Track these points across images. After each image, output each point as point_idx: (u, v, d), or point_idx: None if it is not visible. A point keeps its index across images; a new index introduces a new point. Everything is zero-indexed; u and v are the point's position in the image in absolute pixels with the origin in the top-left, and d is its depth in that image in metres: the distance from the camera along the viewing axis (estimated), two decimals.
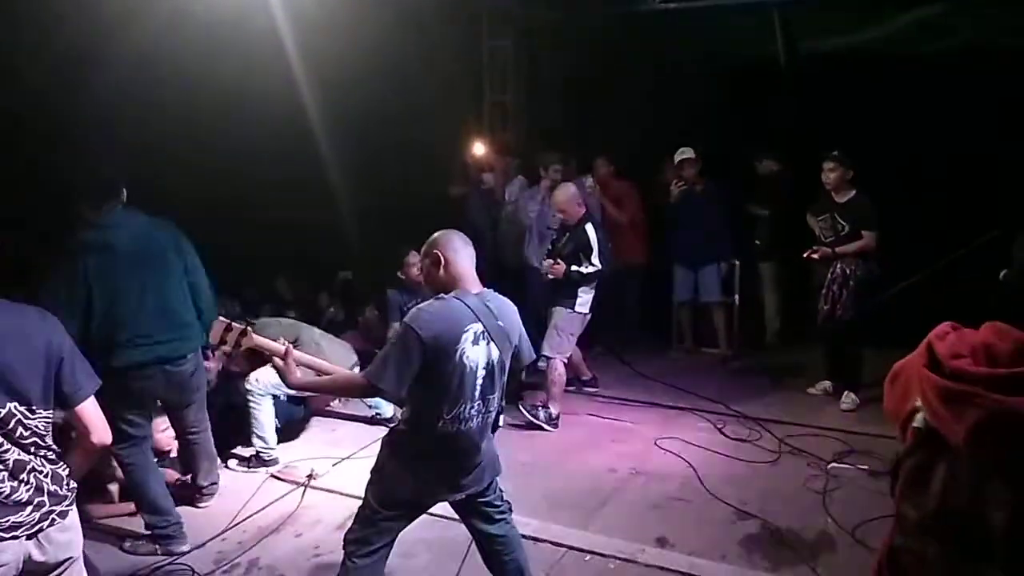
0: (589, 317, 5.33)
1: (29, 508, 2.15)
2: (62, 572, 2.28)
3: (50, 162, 5.30)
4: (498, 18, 6.67)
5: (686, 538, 3.72)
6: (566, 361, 5.34)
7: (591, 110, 6.99)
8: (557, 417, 5.22)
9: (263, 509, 4.09)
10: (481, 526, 2.88)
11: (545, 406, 5.22)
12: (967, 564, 1.57)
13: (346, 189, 6.79)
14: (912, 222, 5.47)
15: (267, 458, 4.60)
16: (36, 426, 2.18)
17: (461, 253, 2.73)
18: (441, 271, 2.70)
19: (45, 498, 2.19)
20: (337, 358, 4.73)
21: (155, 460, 3.90)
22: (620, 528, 3.83)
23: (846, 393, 5.41)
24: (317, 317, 6.20)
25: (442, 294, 2.68)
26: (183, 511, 3.80)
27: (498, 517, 2.89)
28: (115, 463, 3.85)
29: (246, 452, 4.66)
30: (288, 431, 5.05)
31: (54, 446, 2.26)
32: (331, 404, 5.56)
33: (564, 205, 5.21)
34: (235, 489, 4.30)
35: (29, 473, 2.17)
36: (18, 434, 2.14)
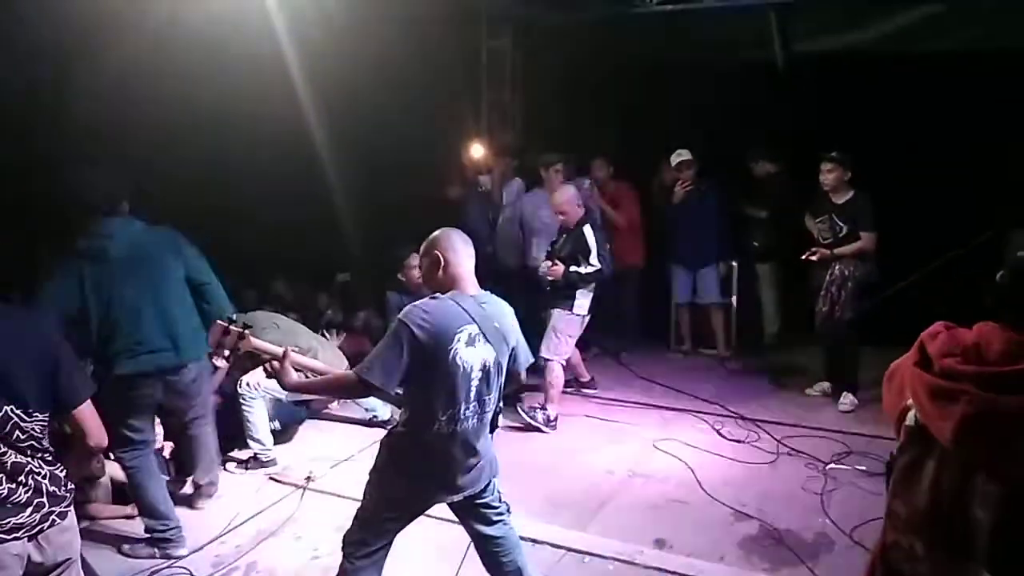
0: (588, 319, 5.33)
1: (29, 509, 2.16)
2: (60, 574, 2.28)
3: (52, 168, 5.33)
4: (497, 19, 6.67)
5: (684, 539, 3.73)
6: (564, 363, 5.34)
7: (589, 111, 6.99)
8: (555, 419, 5.22)
9: (261, 512, 4.09)
10: (479, 527, 2.88)
11: (543, 408, 5.22)
12: (953, 561, 1.58)
13: (344, 190, 6.79)
14: (909, 223, 5.47)
15: (265, 459, 4.60)
16: (33, 429, 2.18)
17: (461, 254, 2.73)
18: (440, 271, 2.70)
19: (44, 499, 2.19)
20: (329, 362, 4.74)
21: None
22: (619, 530, 3.84)
23: (844, 394, 5.41)
24: (316, 318, 6.19)
25: (438, 294, 2.68)
26: (182, 514, 3.80)
27: (496, 518, 2.89)
28: (103, 461, 3.85)
29: (243, 455, 4.66)
30: (286, 434, 5.05)
31: (51, 448, 2.26)
32: (329, 407, 5.56)
33: (564, 207, 5.21)
34: (233, 492, 4.30)
35: (27, 475, 2.17)
36: (15, 437, 2.14)
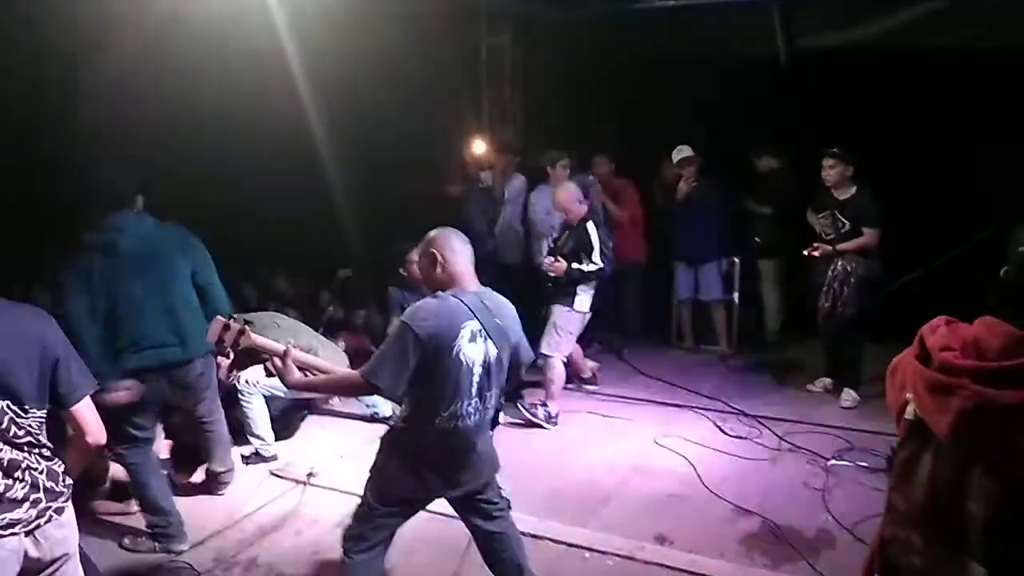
0: (589, 316, 5.33)
1: (26, 505, 2.15)
2: (57, 569, 2.27)
3: (57, 166, 5.34)
4: (496, 16, 6.65)
5: (686, 535, 3.72)
6: (565, 360, 5.34)
7: (590, 108, 6.98)
8: (556, 415, 5.22)
9: (262, 507, 4.09)
10: (479, 523, 2.88)
11: (544, 404, 5.22)
12: (949, 555, 1.58)
13: (344, 186, 6.79)
14: (912, 219, 5.46)
15: (266, 454, 4.61)
16: (30, 425, 2.17)
17: (459, 252, 2.73)
18: (439, 270, 2.70)
19: (41, 495, 2.19)
20: (331, 359, 4.74)
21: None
22: (619, 525, 3.83)
23: (846, 390, 5.41)
24: (318, 315, 6.19)
25: (439, 292, 2.68)
26: (183, 509, 3.80)
27: (496, 514, 2.89)
28: (110, 461, 3.86)
29: (245, 451, 4.66)
30: (287, 430, 5.06)
31: (48, 443, 2.26)
32: (330, 403, 5.56)
33: (566, 204, 5.20)
34: (234, 487, 4.30)
35: (24, 471, 2.16)
36: (12, 433, 2.14)
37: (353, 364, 4.79)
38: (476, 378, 2.64)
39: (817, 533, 3.74)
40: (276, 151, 6.50)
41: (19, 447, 2.16)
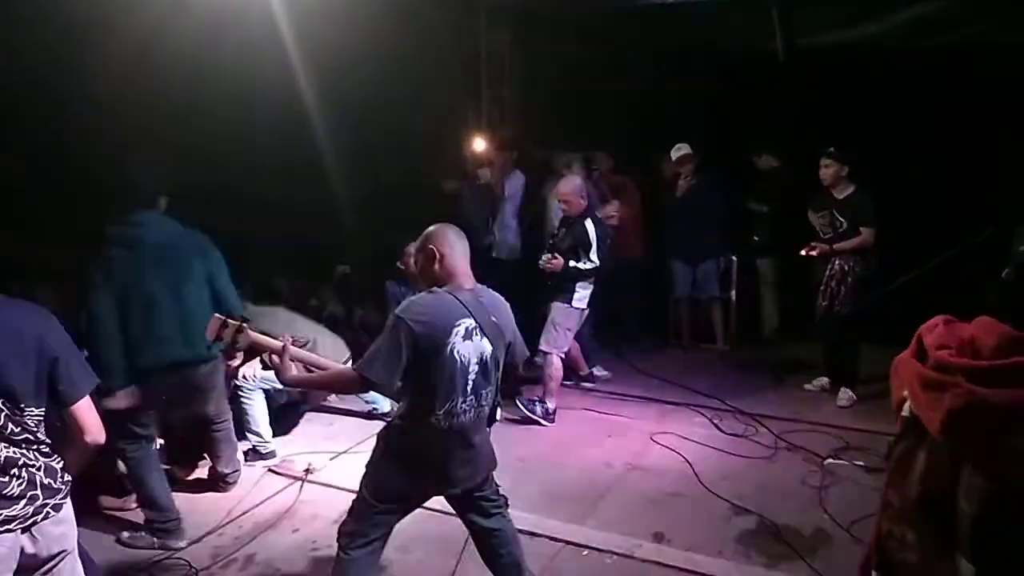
0: (587, 313, 5.33)
1: (23, 502, 2.15)
2: (55, 565, 2.27)
3: (58, 156, 5.33)
4: (495, 11, 6.64)
5: (683, 533, 3.73)
6: (563, 356, 5.34)
7: (589, 105, 6.97)
8: (554, 412, 5.23)
9: (260, 504, 4.10)
10: (477, 520, 2.89)
11: (542, 401, 5.22)
12: (940, 552, 1.59)
13: (344, 183, 6.77)
14: (911, 218, 5.47)
15: (264, 451, 4.61)
16: (27, 423, 2.17)
17: (456, 248, 2.73)
18: (436, 266, 2.70)
19: (39, 492, 2.18)
20: (330, 352, 4.74)
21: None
22: (617, 523, 3.84)
23: (843, 389, 5.42)
24: (317, 313, 6.18)
25: (435, 288, 2.67)
26: (181, 506, 3.80)
27: (494, 511, 2.90)
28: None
29: (242, 447, 4.65)
30: (285, 426, 5.06)
31: (47, 440, 2.25)
32: (328, 399, 5.56)
33: (568, 196, 5.18)
34: None
35: (21, 468, 2.16)
36: (8, 430, 2.13)
37: (355, 357, 4.81)
38: (472, 375, 2.64)
39: (814, 531, 3.75)
40: (274, 147, 6.48)
41: (16, 444, 2.16)
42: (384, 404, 5.15)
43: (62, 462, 2.29)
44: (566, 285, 5.17)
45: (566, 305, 5.20)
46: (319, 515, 3.96)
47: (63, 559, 2.30)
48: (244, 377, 4.55)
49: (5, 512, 2.12)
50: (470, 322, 2.62)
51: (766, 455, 4.65)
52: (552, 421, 5.20)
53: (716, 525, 3.84)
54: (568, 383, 5.70)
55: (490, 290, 2.80)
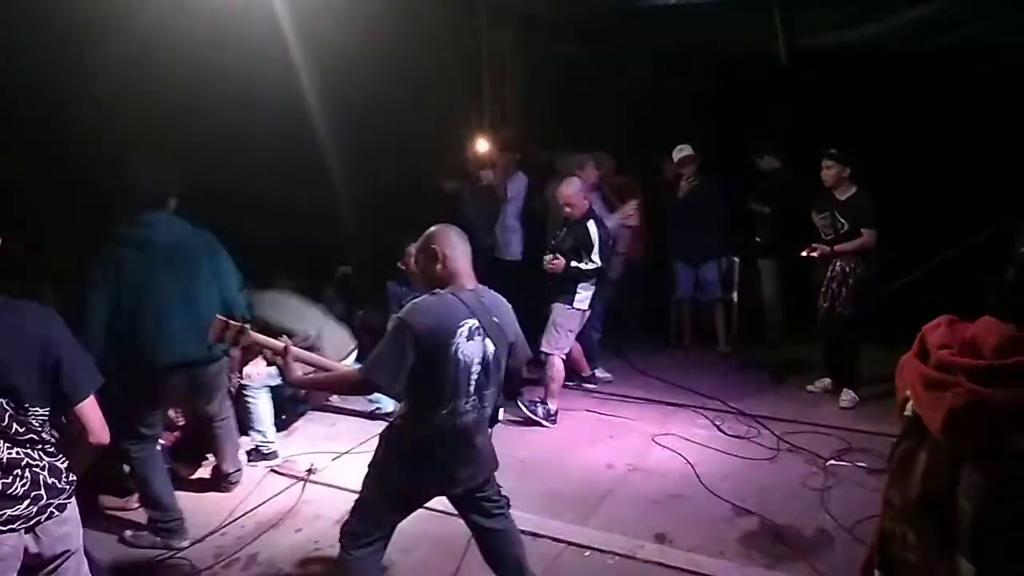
0: (588, 313, 5.33)
1: (26, 502, 2.15)
2: (59, 565, 2.28)
3: (58, 157, 5.33)
4: (496, 11, 6.64)
5: (685, 534, 3.73)
6: (564, 357, 5.34)
7: (590, 105, 6.97)
8: (555, 413, 5.23)
9: (263, 504, 4.10)
10: (479, 521, 2.89)
11: (543, 402, 5.23)
12: (941, 551, 1.59)
13: (344, 183, 6.77)
14: (912, 218, 5.47)
15: (266, 451, 4.61)
16: (31, 423, 2.17)
17: (458, 249, 2.73)
18: (438, 266, 2.70)
19: (42, 491, 2.19)
20: (336, 343, 4.74)
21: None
22: (619, 524, 3.84)
23: (844, 390, 5.42)
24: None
25: (437, 289, 2.68)
26: (183, 505, 3.80)
27: (496, 512, 2.90)
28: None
29: (245, 445, 4.66)
30: (287, 422, 5.07)
31: (52, 440, 2.26)
32: (330, 399, 5.56)
33: (571, 199, 5.18)
34: None
35: (25, 468, 2.16)
36: (13, 430, 2.13)
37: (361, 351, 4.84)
38: (474, 376, 2.64)
39: (815, 533, 3.75)
40: (273, 146, 6.48)
41: (21, 444, 2.16)
42: (388, 404, 5.14)
43: (67, 462, 2.30)
44: (567, 286, 5.18)
45: (567, 306, 5.20)
46: (321, 515, 3.97)
47: (67, 559, 2.30)
48: (251, 376, 4.55)
49: (9, 512, 2.12)
50: (473, 323, 2.62)
51: (768, 456, 4.65)
52: (554, 422, 5.20)
53: (718, 526, 3.84)
54: (570, 384, 5.70)
55: (491, 291, 2.81)
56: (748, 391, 5.69)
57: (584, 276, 5.13)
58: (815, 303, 5.44)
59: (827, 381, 5.64)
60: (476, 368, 2.65)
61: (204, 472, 4.42)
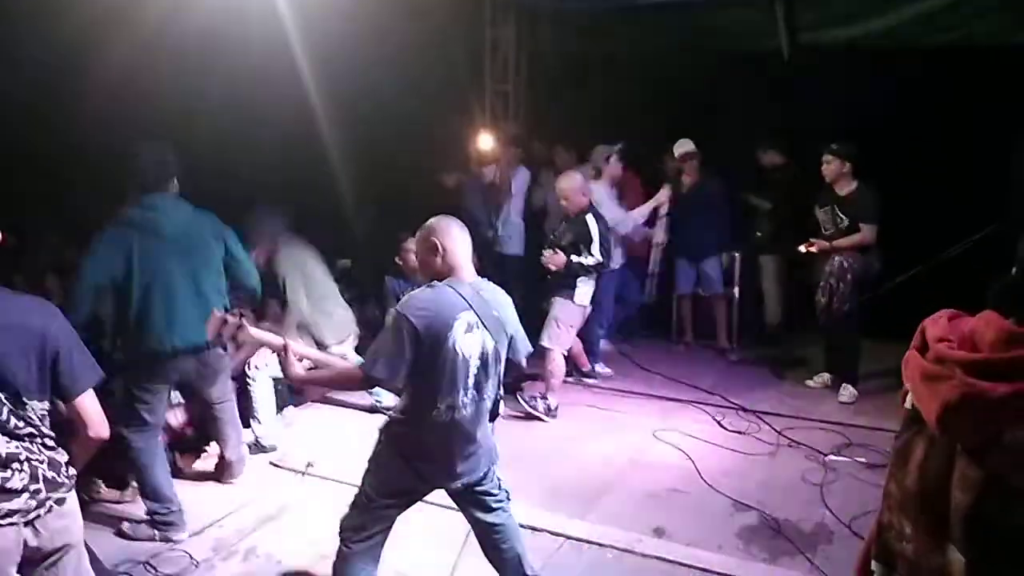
0: (589, 309, 5.32)
1: (25, 495, 2.14)
2: (59, 559, 2.27)
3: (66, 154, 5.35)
4: (500, 6, 6.62)
5: (684, 529, 3.74)
6: (565, 353, 5.34)
7: (593, 100, 6.96)
8: (556, 408, 5.23)
9: (261, 497, 4.10)
10: (478, 515, 2.89)
11: (544, 397, 5.22)
12: (934, 543, 1.60)
13: (346, 177, 6.77)
14: (914, 215, 5.46)
15: (266, 444, 4.61)
16: (30, 416, 2.16)
17: (459, 241, 2.72)
18: (437, 259, 2.69)
19: (41, 485, 2.18)
20: (340, 321, 4.80)
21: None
22: (618, 518, 3.84)
23: (844, 386, 5.42)
24: None
25: (435, 282, 2.67)
26: (182, 498, 3.80)
27: (495, 506, 2.90)
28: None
29: (245, 438, 4.66)
30: (287, 420, 5.06)
31: (51, 433, 2.25)
32: (330, 392, 5.56)
33: (568, 194, 5.17)
34: None
35: (24, 461, 2.15)
36: (12, 424, 2.12)
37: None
38: (473, 370, 2.64)
39: (815, 528, 3.75)
40: (276, 140, 6.48)
41: (19, 438, 2.15)
42: (387, 398, 5.14)
43: (66, 456, 2.29)
44: (568, 281, 5.16)
45: (568, 301, 5.19)
46: (320, 508, 3.95)
47: (67, 552, 2.29)
48: (256, 367, 4.55)
49: (8, 505, 2.11)
50: (471, 316, 2.61)
51: (768, 452, 4.65)
52: (554, 417, 5.20)
53: (717, 521, 3.84)
54: (570, 379, 5.70)
55: (491, 284, 2.80)
56: (748, 386, 5.70)
57: (584, 270, 5.12)
58: (815, 298, 5.44)
59: (827, 376, 5.65)
60: (475, 362, 2.64)
61: (203, 465, 4.42)
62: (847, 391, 5.39)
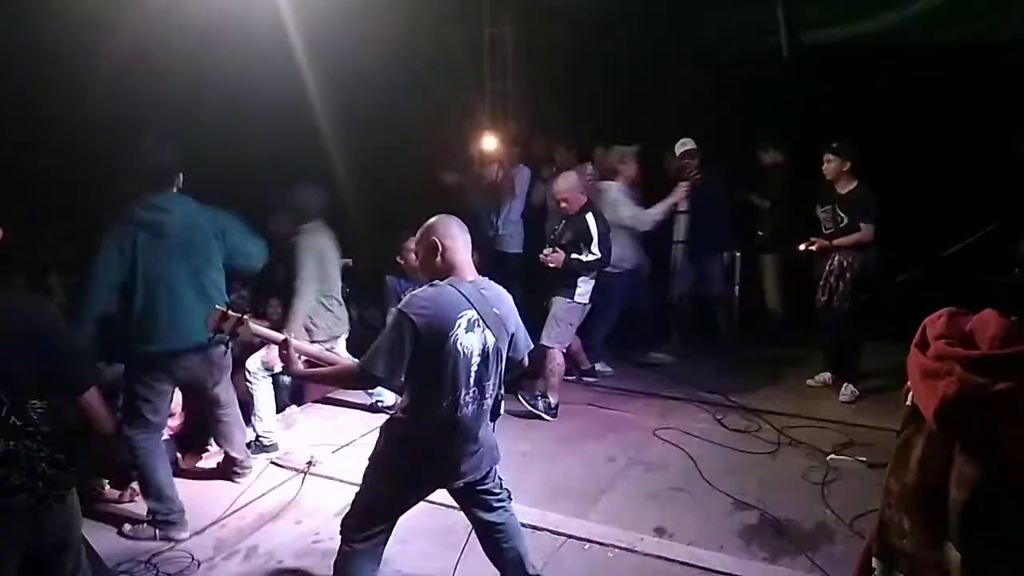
0: (589, 307, 5.32)
1: (25, 493, 2.14)
2: (59, 557, 2.27)
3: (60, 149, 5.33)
4: (499, 4, 6.62)
5: (685, 528, 3.73)
6: (565, 351, 5.34)
7: (592, 99, 6.95)
8: (556, 407, 5.23)
9: (263, 496, 4.10)
10: (480, 514, 2.89)
11: (544, 395, 5.22)
12: (932, 539, 1.61)
13: (346, 175, 6.76)
14: (913, 214, 5.46)
15: (267, 443, 4.61)
16: (31, 415, 2.16)
17: (459, 240, 2.72)
18: (438, 258, 2.69)
19: (41, 483, 2.18)
20: (335, 317, 4.81)
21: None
22: (619, 517, 3.85)
23: (845, 385, 5.42)
24: None
25: (436, 280, 2.67)
26: (184, 496, 3.81)
27: (497, 505, 2.90)
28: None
29: (246, 438, 4.66)
30: (288, 419, 5.06)
31: (52, 432, 2.25)
32: (331, 391, 5.56)
33: (566, 193, 5.18)
34: None
35: (24, 460, 2.15)
36: (12, 423, 2.13)
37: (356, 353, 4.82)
38: (474, 368, 2.64)
39: (815, 527, 3.75)
40: (276, 136, 6.47)
41: (19, 436, 2.15)
42: (388, 397, 5.15)
43: (66, 454, 2.29)
44: (568, 279, 5.17)
45: (567, 300, 5.19)
46: (322, 507, 3.97)
47: (67, 550, 2.30)
48: (259, 366, 4.55)
49: (7, 503, 2.11)
50: (472, 314, 2.61)
51: (768, 450, 4.65)
52: (554, 416, 5.20)
53: (718, 520, 3.84)
54: (570, 378, 5.70)
55: (492, 282, 2.80)
56: (749, 385, 5.69)
57: (585, 268, 5.12)
58: (816, 297, 5.44)
59: (827, 375, 5.65)
60: (476, 360, 2.63)
61: (205, 464, 4.43)
62: (848, 390, 5.39)
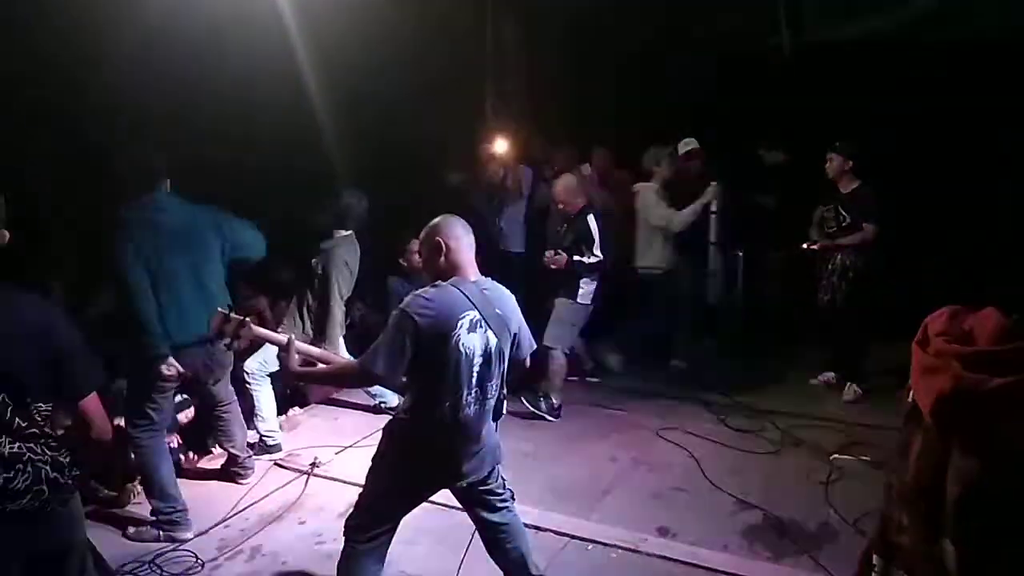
0: (592, 308, 5.32)
1: (28, 496, 2.14)
2: (62, 560, 2.27)
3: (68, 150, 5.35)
4: (503, 5, 6.63)
5: (688, 528, 3.73)
6: (568, 352, 5.34)
7: (592, 98, 6.95)
8: (559, 407, 5.23)
9: (266, 496, 4.11)
10: (483, 514, 2.89)
11: (547, 396, 5.22)
12: (929, 534, 1.61)
13: (349, 176, 6.76)
14: (916, 213, 5.45)
15: (270, 443, 4.61)
16: (34, 417, 2.16)
17: (462, 241, 2.72)
18: (442, 258, 2.69)
19: (44, 487, 2.16)
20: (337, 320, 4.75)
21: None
22: (622, 517, 3.85)
23: (848, 384, 5.42)
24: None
25: (439, 281, 2.67)
26: (187, 496, 3.81)
27: (500, 505, 2.90)
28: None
29: (249, 439, 4.66)
30: (292, 420, 5.06)
31: (55, 434, 2.24)
32: (334, 392, 5.56)
33: (565, 196, 5.19)
34: None
35: (27, 463, 2.14)
36: (15, 425, 2.12)
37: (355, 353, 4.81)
38: (476, 368, 2.64)
39: (819, 526, 3.75)
40: (278, 137, 6.48)
41: (23, 439, 2.14)
42: (391, 398, 5.15)
43: (69, 457, 2.29)
44: (570, 280, 5.17)
45: (571, 301, 5.19)
46: (325, 508, 3.97)
47: (71, 554, 2.29)
48: (259, 365, 4.56)
49: (11, 507, 2.11)
50: (474, 315, 2.61)
51: (772, 450, 4.65)
52: (557, 416, 5.20)
53: (721, 520, 3.84)
54: (573, 378, 5.70)
55: (494, 282, 2.80)
56: (752, 385, 5.69)
57: (587, 270, 5.12)
58: (818, 296, 5.43)
59: (831, 375, 5.64)
60: (478, 360, 2.63)
61: (208, 464, 4.43)
62: (851, 389, 5.38)
